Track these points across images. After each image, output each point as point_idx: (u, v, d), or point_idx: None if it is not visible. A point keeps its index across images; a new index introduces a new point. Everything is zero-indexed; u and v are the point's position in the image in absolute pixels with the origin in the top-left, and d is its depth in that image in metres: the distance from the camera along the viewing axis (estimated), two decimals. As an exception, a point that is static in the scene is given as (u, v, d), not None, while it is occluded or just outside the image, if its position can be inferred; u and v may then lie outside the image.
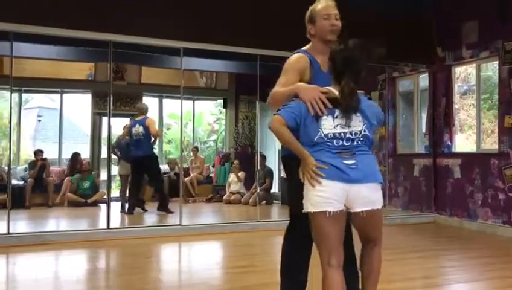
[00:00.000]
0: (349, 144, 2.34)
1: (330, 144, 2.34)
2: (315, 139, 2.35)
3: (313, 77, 2.62)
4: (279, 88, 2.54)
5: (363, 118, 2.37)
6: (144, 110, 7.68)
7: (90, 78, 10.16)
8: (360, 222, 2.40)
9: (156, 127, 7.71)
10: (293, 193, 2.70)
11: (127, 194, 7.82)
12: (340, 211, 2.31)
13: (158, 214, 7.45)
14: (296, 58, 2.66)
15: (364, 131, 2.37)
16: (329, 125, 2.34)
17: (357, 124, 2.36)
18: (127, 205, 7.59)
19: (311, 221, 2.36)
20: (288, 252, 2.77)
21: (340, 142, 2.34)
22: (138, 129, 7.43)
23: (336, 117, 2.35)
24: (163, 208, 7.49)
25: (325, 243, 2.35)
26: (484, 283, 4.00)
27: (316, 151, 2.35)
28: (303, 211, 2.37)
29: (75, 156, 9.59)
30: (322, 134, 2.34)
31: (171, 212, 7.34)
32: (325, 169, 2.29)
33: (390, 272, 4.13)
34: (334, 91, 2.37)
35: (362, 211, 2.32)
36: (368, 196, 2.32)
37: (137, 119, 7.59)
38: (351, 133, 2.34)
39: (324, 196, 2.28)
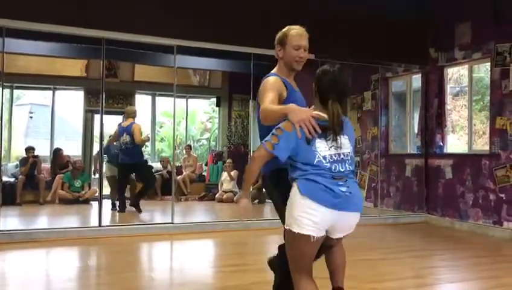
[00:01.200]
0: (343, 169, 2.36)
1: (328, 169, 2.33)
2: (315, 162, 2.33)
3: (288, 96, 2.68)
4: (271, 105, 2.53)
5: (349, 140, 2.43)
6: (130, 114, 7.54)
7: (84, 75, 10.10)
8: (334, 244, 2.49)
9: (141, 134, 7.45)
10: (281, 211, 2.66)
11: (116, 194, 7.78)
12: (322, 236, 2.32)
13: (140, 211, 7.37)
14: (273, 80, 2.71)
15: (351, 153, 2.43)
16: (323, 147, 2.35)
17: (346, 146, 2.41)
18: (117, 203, 7.56)
19: (290, 238, 2.34)
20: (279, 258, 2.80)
21: (337, 167, 2.35)
22: (125, 139, 7.33)
23: (328, 140, 2.36)
24: (136, 205, 7.38)
25: (300, 262, 2.37)
26: (475, 282, 4.03)
27: (313, 174, 2.32)
28: (284, 226, 2.37)
29: (57, 151, 9.55)
30: (320, 157, 2.33)
31: (140, 211, 7.37)
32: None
33: (381, 272, 4.16)
34: (324, 115, 2.38)
35: (339, 238, 2.43)
36: (351, 224, 2.39)
37: (123, 125, 7.45)
38: (343, 154, 2.38)
39: (313, 220, 2.26)
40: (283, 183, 2.49)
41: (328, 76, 2.45)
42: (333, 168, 2.34)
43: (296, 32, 2.75)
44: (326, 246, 2.49)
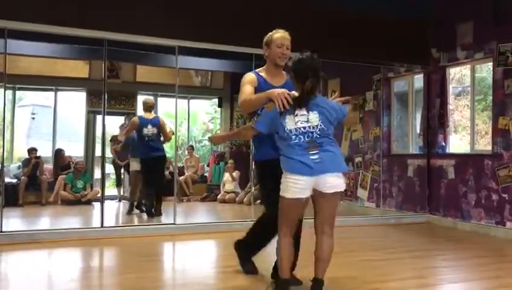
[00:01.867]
0: (308, 139, 2.96)
1: (297, 140, 2.97)
2: (281, 134, 3.02)
3: (258, 89, 3.30)
4: (249, 96, 3.24)
5: (319, 114, 2.99)
6: (151, 107, 7.30)
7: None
8: (323, 201, 3.03)
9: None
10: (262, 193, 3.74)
11: (137, 193, 7.59)
12: (308, 196, 3.01)
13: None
14: (248, 76, 3.45)
15: (321, 125, 2.98)
16: (291, 122, 2.99)
17: (314, 120, 2.98)
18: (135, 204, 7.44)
19: (285, 204, 3.03)
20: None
21: (302, 138, 2.97)
22: (152, 130, 7.02)
23: (296, 115, 2.99)
24: (159, 211, 7.14)
25: (289, 221, 3.07)
26: (477, 283, 4.02)
27: (287, 147, 3.00)
28: (280, 193, 3.05)
29: (58, 152, 9.57)
30: (287, 129, 2.99)
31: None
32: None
33: (383, 272, 4.15)
34: (296, 94, 3.02)
35: (329, 193, 2.99)
36: (332, 182, 2.98)
37: (146, 117, 7.11)
38: (309, 127, 2.97)
39: (299, 187, 2.96)
40: (269, 172, 3.29)
41: (303, 63, 3.04)
42: (298, 139, 2.97)
43: (280, 34, 3.42)
44: (319, 229, 3.08)
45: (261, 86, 3.34)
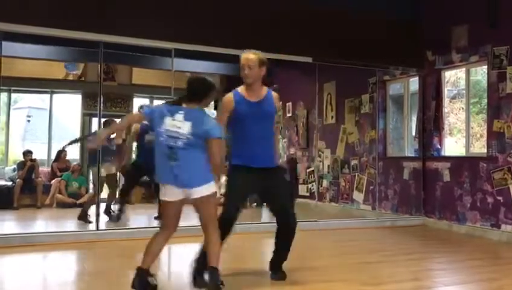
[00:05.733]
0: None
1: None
2: None
3: (235, 107, 3.63)
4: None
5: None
6: None
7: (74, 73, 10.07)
8: None
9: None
10: None
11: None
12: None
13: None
14: (224, 100, 3.71)
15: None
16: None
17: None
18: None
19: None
20: None
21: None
22: None
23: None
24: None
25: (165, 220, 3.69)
26: (473, 285, 4.03)
27: None
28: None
29: (60, 152, 9.57)
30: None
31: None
32: None
33: (379, 275, 4.16)
34: None
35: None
36: None
37: None
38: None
39: None
40: None
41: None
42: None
43: (242, 56, 3.60)
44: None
45: (238, 104, 3.57)
